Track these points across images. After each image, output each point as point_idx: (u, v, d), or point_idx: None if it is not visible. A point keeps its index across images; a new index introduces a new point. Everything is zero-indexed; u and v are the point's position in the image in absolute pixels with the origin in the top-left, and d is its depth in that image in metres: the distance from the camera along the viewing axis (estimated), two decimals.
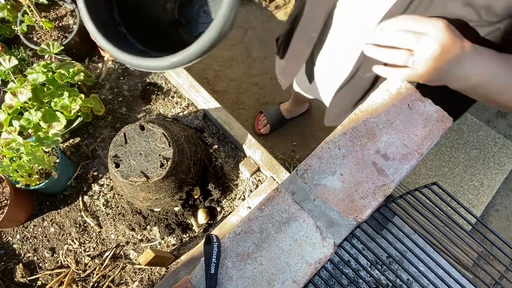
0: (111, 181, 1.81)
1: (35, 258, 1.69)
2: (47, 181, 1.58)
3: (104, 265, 1.68)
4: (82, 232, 1.73)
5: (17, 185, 1.56)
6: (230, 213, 1.76)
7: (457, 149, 2.39)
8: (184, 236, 1.73)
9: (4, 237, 1.72)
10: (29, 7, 1.79)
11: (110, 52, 0.92)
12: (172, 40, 1.18)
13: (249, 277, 0.87)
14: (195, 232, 1.75)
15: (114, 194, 1.79)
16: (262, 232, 0.91)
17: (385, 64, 0.96)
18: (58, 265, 1.68)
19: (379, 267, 1.16)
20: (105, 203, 1.78)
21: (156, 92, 2.04)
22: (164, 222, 1.69)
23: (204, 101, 1.94)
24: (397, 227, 1.02)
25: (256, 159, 1.82)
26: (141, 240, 1.74)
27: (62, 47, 1.77)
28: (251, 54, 2.60)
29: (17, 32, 1.84)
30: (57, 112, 1.63)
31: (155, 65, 0.92)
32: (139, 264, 1.68)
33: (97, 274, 1.65)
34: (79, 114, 1.74)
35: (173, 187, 1.48)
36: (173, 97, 2.02)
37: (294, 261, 0.88)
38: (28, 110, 1.62)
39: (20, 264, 1.66)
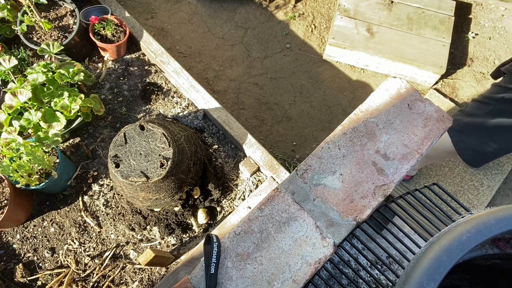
0: (111, 181, 1.81)
1: (35, 258, 1.69)
2: (47, 181, 1.58)
3: (104, 265, 1.68)
4: (82, 232, 1.73)
5: (17, 185, 1.56)
6: (230, 213, 1.77)
7: None
8: (184, 236, 1.73)
9: (4, 237, 1.72)
10: (29, 7, 1.79)
11: None
12: None
13: (249, 277, 0.87)
14: (195, 232, 1.75)
15: (114, 194, 1.79)
16: (262, 232, 0.91)
17: None
18: (58, 265, 1.68)
19: (379, 267, 1.16)
20: (105, 203, 1.78)
21: (156, 92, 2.04)
22: (164, 222, 1.69)
23: (204, 101, 1.94)
24: (397, 227, 1.02)
25: (256, 159, 1.82)
26: (141, 240, 1.74)
27: (62, 47, 1.77)
28: (251, 54, 2.60)
29: (17, 32, 1.84)
30: (57, 112, 1.63)
31: None
32: (139, 264, 1.68)
33: (97, 274, 1.65)
34: (79, 114, 1.74)
35: (173, 187, 1.48)
36: (173, 97, 2.02)
37: (294, 261, 0.88)
38: (28, 110, 1.62)
39: (20, 264, 1.66)
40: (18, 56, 1.84)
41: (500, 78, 1.66)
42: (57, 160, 1.64)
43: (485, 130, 1.57)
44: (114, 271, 1.67)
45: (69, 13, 1.97)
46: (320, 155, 0.98)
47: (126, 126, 1.45)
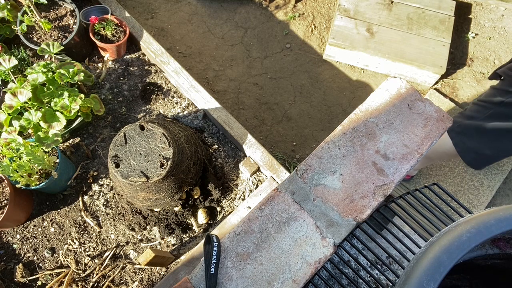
0: (111, 181, 1.81)
1: (35, 258, 1.69)
2: (47, 181, 1.58)
3: (104, 265, 1.68)
4: (82, 232, 1.73)
5: (17, 185, 1.56)
6: (230, 213, 1.77)
7: None
8: (184, 236, 1.74)
9: (4, 237, 1.72)
10: (29, 7, 1.79)
11: None
12: None
13: (249, 277, 0.87)
14: (195, 232, 1.75)
15: (114, 194, 1.79)
16: (262, 232, 0.91)
17: None
18: (58, 265, 1.68)
19: (379, 267, 1.16)
20: (105, 203, 1.78)
21: (156, 92, 2.04)
22: (164, 222, 1.69)
23: (204, 101, 1.94)
24: (397, 227, 1.02)
25: (256, 159, 1.82)
26: (141, 240, 1.74)
27: (62, 47, 1.77)
28: (251, 54, 2.59)
29: (17, 32, 1.84)
30: (57, 112, 1.63)
31: None
32: (139, 264, 1.68)
33: (97, 274, 1.65)
34: (79, 114, 1.74)
35: (173, 187, 1.48)
36: (173, 97, 2.02)
37: (294, 261, 0.88)
38: (28, 110, 1.62)
39: (20, 264, 1.66)
40: (18, 56, 1.84)
41: (498, 81, 1.66)
42: (57, 160, 1.64)
43: (485, 133, 1.57)
44: (114, 271, 1.67)
45: (69, 13, 1.97)
46: (320, 155, 0.98)
47: (126, 126, 1.45)
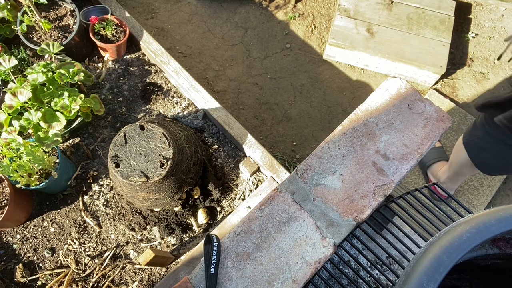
0: (111, 181, 1.81)
1: (35, 258, 1.69)
2: (47, 181, 1.58)
3: (104, 265, 1.68)
4: (82, 232, 1.73)
5: (17, 185, 1.55)
6: (230, 213, 1.77)
7: None
8: (184, 236, 1.73)
9: (4, 237, 1.72)
10: (29, 7, 1.78)
11: None
12: None
13: (249, 277, 0.87)
14: (195, 232, 1.75)
15: (114, 194, 1.79)
16: (262, 232, 0.91)
17: None
18: (58, 265, 1.68)
19: (379, 267, 1.16)
20: (105, 203, 1.78)
21: (156, 92, 2.04)
22: (164, 222, 1.69)
23: (204, 101, 1.94)
24: (397, 227, 1.02)
25: (256, 159, 1.82)
26: (141, 240, 1.74)
27: (62, 47, 1.77)
28: (251, 54, 2.59)
29: (17, 32, 1.84)
30: (57, 112, 1.63)
31: None
32: (139, 264, 1.68)
33: (97, 274, 1.65)
34: (79, 114, 1.74)
35: (173, 187, 1.48)
36: (173, 97, 2.02)
37: (294, 261, 0.88)
38: (28, 110, 1.62)
39: (20, 264, 1.66)
40: (18, 56, 1.84)
41: None
42: (57, 160, 1.63)
43: (489, 148, 1.57)
44: (114, 271, 1.67)
45: (69, 13, 1.97)
46: (320, 155, 0.98)
47: (126, 126, 1.45)
